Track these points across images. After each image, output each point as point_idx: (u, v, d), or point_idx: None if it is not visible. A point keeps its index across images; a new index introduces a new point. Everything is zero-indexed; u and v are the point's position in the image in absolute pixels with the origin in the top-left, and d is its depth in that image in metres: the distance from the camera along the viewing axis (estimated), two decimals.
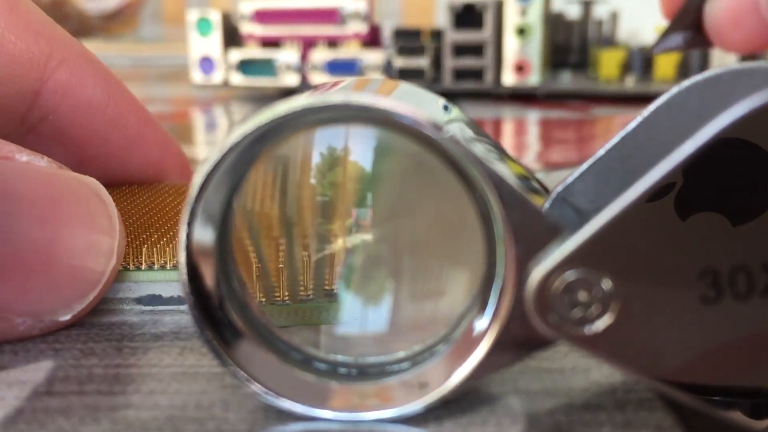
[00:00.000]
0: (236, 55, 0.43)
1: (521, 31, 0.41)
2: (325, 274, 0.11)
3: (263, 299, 0.11)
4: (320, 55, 0.43)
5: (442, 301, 0.10)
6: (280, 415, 0.10)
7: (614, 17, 0.50)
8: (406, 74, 0.42)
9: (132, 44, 0.76)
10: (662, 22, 0.29)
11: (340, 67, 0.43)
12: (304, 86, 0.43)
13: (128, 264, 0.13)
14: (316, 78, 0.43)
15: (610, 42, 0.49)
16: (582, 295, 0.09)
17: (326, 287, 0.11)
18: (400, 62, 0.42)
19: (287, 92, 0.43)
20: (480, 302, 0.10)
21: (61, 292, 0.12)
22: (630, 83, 0.44)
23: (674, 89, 0.11)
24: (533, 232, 0.09)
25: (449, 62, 0.42)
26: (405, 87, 0.10)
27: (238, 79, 0.44)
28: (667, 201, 0.09)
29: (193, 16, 0.44)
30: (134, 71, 0.64)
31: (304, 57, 0.43)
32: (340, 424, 0.10)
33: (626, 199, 0.09)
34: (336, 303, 0.11)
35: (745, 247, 0.09)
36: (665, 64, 0.43)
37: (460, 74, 0.43)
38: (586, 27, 0.48)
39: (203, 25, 0.44)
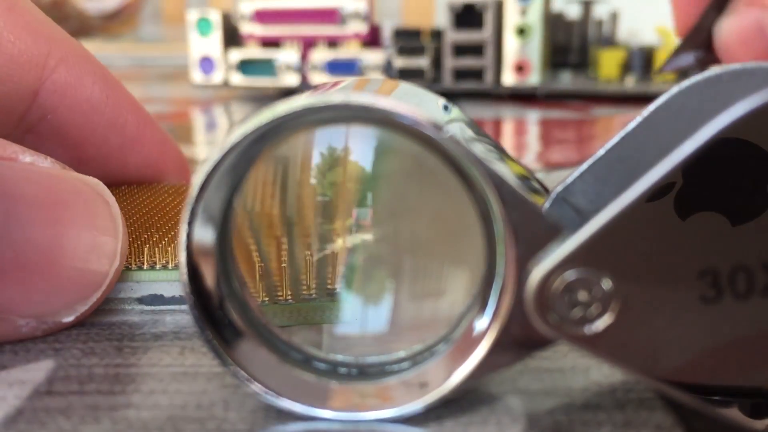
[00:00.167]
0: (236, 55, 0.43)
1: (521, 31, 0.41)
2: (325, 274, 0.11)
3: (266, 299, 0.11)
4: (320, 55, 0.43)
5: (442, 300, 0.10)
6: (280, 414, 0.10)
7: (614, 17, 0.50)
8: (406, 74, 0.42)
9: (132, 44, 0.76)
10: (662, 22, 0.29)
11: (340, 67, 0.43)
12: (304, 86, 0.43)
13: (130, 264, 0.13)
14: (316, 78, 0.43)
15: (610, 42, 0.49)
16: (582, 295, 0.09)
17: (326, 287, 0.11)
18: (400, 62, 0.42)
19: (287, 92, 0.43)
20: (480, 302, 0.10)
21: (65, 293, 0.12)
22: (630, 83, 0.44)
23: (674, 89, 0.11)
24: (533, 231, 0.09)
25: (449, 62, 0.42)
26: (405, 87, 0.10)
27: (238, 79, 0.44)
28: (666, 201, 0.09)
29: (193, 16, 0.44)
30: (134, 71, 0.64)
31: (304, 57, 0.43)
32: (340, 424, 0.10)
33: (626, 198, 0.09)
34: (336, 303, 0.11)
35: (744, 247, 0.09)
36: None
37: (460, 74, 0.43)
38: (586, 27, 0.48)
39: (203, 25, 0.44)
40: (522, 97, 0.44)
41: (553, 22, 0.47)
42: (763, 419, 0.09)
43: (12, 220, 0.11)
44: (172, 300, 0.13)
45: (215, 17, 0.44)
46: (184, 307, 0.10)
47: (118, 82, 0.16)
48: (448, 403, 0.10)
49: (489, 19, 0.41)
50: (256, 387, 0.10)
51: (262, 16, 0.43)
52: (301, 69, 0.43)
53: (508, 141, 0.32)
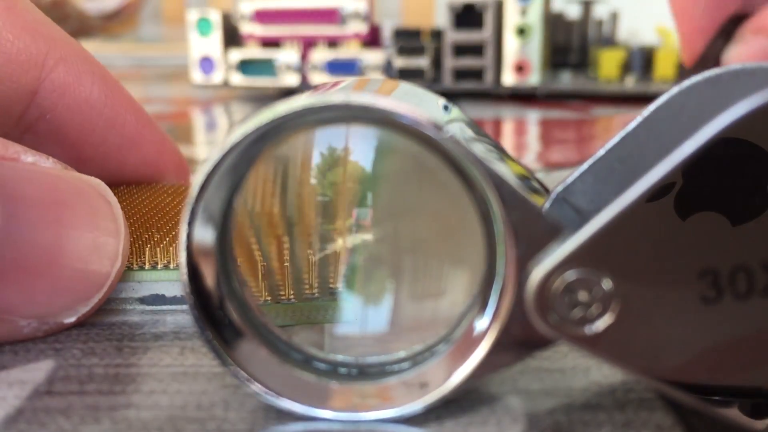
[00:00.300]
0: (236, 55, 0.43)
1: (521, 31, 0.41)
2: (325, 274, 0.11)
3: (267, 298, 0.11)
4: (320, 55, 0.43)
5: (442, 300, 0.10)
6: (280, 414, 0.10)
7: (614, 17, 0.50)
8: (406, 74, 0.42)
9: (132, 44, 0.76)
10: (662, 23, 0.29)
11: (340, 67, 0.43)
12: (304, 86, 0.43)
13: (132, 264, 0.13)
14: (316, 78, 0.43)
15: (610, 42, 0.49)
16: (582, 295, 0.09)
17: (327, 287, 0.11)
18: (400, 62, 0.42)
19: (287, 92, 0.43)
20: (480, 302, 0.10)
21: (67, 294, 0.12)
22: (630, 83, 0.44)
23: (674, 89, 0.11)
24: (533, 232, 0.09)
25: (449, 62, 0.42)
26: (405, 87, 0.10)
27: (238, 79, 0.44)
28: (666, 201, 0.09)
29: (193, 16, 0.44)
30: (134, 71, 0.64)
31: (304, 57, 0.43)
32: (341, 424, 0.10)
33: (626, 199, 0.09)
34: (337, 303, 0.11)
35: (745, 247, 0.09)
36: (665, 64, 0.43)
37: (460, 74, 0.43)
38: (586, 27, 0.48)
39: (203, 25, 0.44)
40: (522, 97, 0.44)
41: (553, 22, 0.47)
42: (763, 419, 0.09)
43: (14, 221, 0.11)
44: (174, 300, 0.13)
45: (215, 17, 0.44)
46: (186, 307, 0.10)
47: (116, 82, 0.16)
48: (449, 404, 0.10)
49: (489, 19, 0.41)
50: (256, 387, 0.10)
51: (262, 16, 0.43)
52: (301, 69, 0.43)
53: (508, 141, 0.32)
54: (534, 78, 0.42)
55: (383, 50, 0.43)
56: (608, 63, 0.44)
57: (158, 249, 0.13)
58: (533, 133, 0.34)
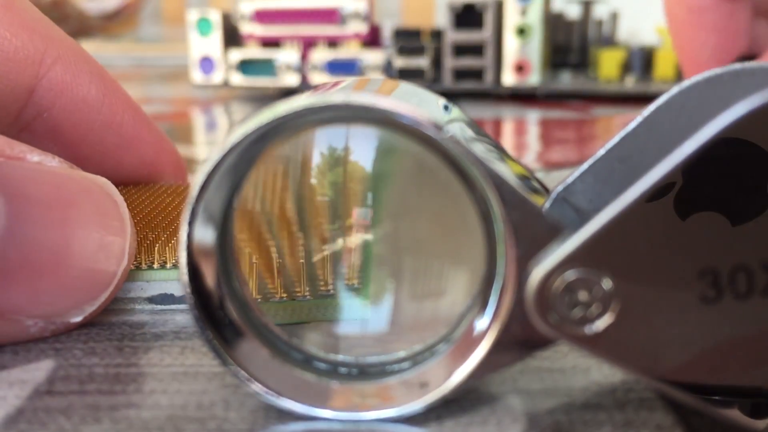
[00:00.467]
0: (236, 55, 0.43)
1: (521, 31, 0.41)
2: (324, 274, 0.11)
3: (259, 297, 0.11)
4: (320, 55, 0.43)
5: (442, 300, 0.10)
6: (280, 414, 0.10)
7: (614, 17, 0.50)
8: (406, 74, 0.42)
9: (132, 44, 0.76)
10: (662, 23, 0.29)
11: (340, 67, 0.43)
12: (304, 86, 0.43)
13: (140, 263, 0.13)
14: (316, 78, 0.43)
15: (610, 42, 0.49)
16: (582, 295, 0.09)
17: (325, 287, 0.11)
18: (400, 62, 0.42)
19: (287, 92, 0.43)
20: (480, 302, 0.10)
21: (73, 294, 0.12)
22: (630, 83, 0.44)
23: (674, 89, 0.11)
24: (533, 231, 0.09)
25: (449, 62, 0.42)
26: (405, 87, 0.10)
27: (238, 79, 0.44)
28: (666, 201, 0.09)
29: (193, 16, 0.44)
30: (134, 71, 0.64)
31: (304, 57, 0.43)
32: (341, 424, 0.10)
33: (626, 199, 0.09)
34: (337, 302, 0.11)
35: (745, 247, 0.09)
36: (665, 64, 0.43)
37: (460, 74, 0.43)
38: (586, 27, 0.48)
39: (203, 25, 0.44)
40: (522, 97, 0.44)
41: (553, 22, 0.47)
42: (763, 419, 0.09)
43: (20, 221, 0.11)
44: (183, 299, 0.13)
45: (215, 17, 0.44)
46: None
47: (114, 82, 0.16)
48: (449, 403, 0.10)
49: (489, 19, 0.41)
50: (256, 387, 0.10)
51: (262, 16, 0.43)
52: (301, 69, 0.43)
53: (508, 141, 0.32)
54: (534, 78, 0.42)
55: (383, 50, 0.43)
56: (608, 63, 0.44)
57: (167, 248, 0.13)
58: (533, 133, 0.34)
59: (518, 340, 0.10)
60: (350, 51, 0.43)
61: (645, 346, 0.09)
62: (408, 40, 0.44)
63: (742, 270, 0.09)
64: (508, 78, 0.42)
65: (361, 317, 0.11)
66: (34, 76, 0.14)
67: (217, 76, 0.44)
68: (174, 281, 0.13)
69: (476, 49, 0.42)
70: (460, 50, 0.42)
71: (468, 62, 0.42)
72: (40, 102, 0.15)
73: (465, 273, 0.10)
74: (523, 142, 0.32)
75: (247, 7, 0.43)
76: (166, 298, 0.13)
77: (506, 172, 0.09)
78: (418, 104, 0.09)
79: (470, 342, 0.10)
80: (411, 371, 0.10)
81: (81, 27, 0.71)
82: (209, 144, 0.32)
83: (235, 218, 0.10)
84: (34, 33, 0.14)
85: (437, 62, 0.43)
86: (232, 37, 0.44)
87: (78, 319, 0.12)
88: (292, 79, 0.43)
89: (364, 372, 0.10)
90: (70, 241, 0.11)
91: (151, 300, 0.13)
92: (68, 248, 0.11)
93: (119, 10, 0.76)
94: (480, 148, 0.09)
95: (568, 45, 0.48)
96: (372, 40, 0.44)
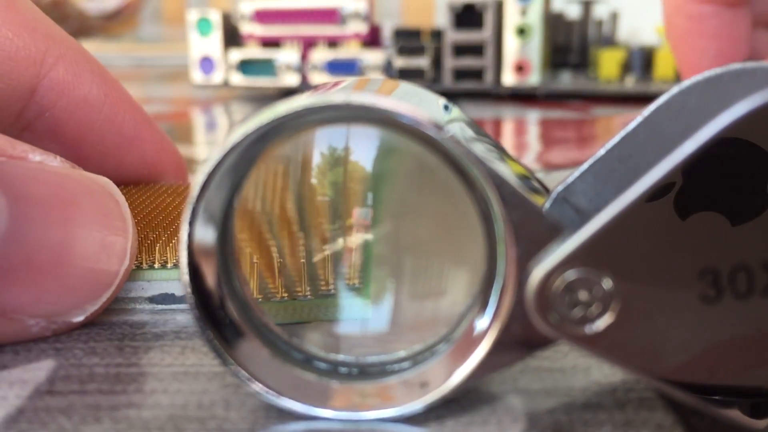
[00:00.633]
0: (236, 55, 0.43)
1: (521, 31, 0.41)
2: (325, 274, 0.11)
3: (260, 297, 0.11)
4: (320, 55, 0.43)
5: (442, 300, 0.10)
6: (281, 414, 0.10)
7: (614, 17, 0.50)
8: (406, 74, 0.42)
9: (132, 44, 0.76)
10: (662, 23, 0.29)
11: (340, 67, 0.43)
12: (304, 86, 0.43)
13: (141, 263, 0.13)
14: (316, 78, 0.43)
15: (610, 42, 0.49)
16: (582, 295, 0.09)
17: (326, 287, 0.11)
18: (400, 62, 0.42)
19: (287, 92, 0.43)
20: (481, 302, 0.10)
21: (75, 293, 0.12)
22: (630, 83, 0.44)
23: (674, 89, 0.11)
24: (534, 231, 0.09)
25: (449, 62, 0.42)
26: (405, 87, 0.10)
27: (238, 79, 0.44)
28: (666, 201, 0.09)
29: (193, 16, 0.44)
30: (134, 71, 0.64)
31: (304, 57, 0.43)
32: (341, 424, 0.10)
33: (626, 198, 0.09)
34: (337, 302, 0.11)
35: (745, 247, 0.09)
36: (665, 64, 0.43)
37: (460, 74, 0.42)
38: (586, 27, 0.48)
39: (203, 25, 0.44)
40: (522, 97, 0.44)
41: (553, 22, 0.47)
42: (763, 419, 0.09)
43: (22, 220, 0.11)
44: (184, 298, 0.13)
45: (215, 17, 0.44)
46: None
47: (116, 81, 0.16)
48: (449, 403, 0.10)
49: (489, 19, 0.41)
50: (256, 386, 0.10)
51: (262, 16, 0.43)
52: (301, 69, 0.43)
53: (508, 141, 0.32)
54: (534, 78, 0.42)
55: (383, 50, 0.43)
56: (608, 63, 0.44)
57: (168, 248, 0.13)
58: (533, 133, 0.34)
59: (518, 340, 0.10)
60: (350, 51, 0.43)
61: (645, 346, 0.09)
62: (408, 40, 0.44)
63: (743, 270, 0.09)
64: (508, 78, 0.42)
65: (361, 317, 0.11)
66: (36, 75, 0.14)
67: (217, 76, 0.44)
68: (175, 281, 0.13)
69: (476, 49, 0.42)
70: (460, 50, 0.42)
71: (468, 62, 0.42)
72: (41, 102, 0.15)
73: (465, 273, 0.10)
74: (523, 142, 0.32)
75: (247, 7, 0.43)
76: (167, 298, 0.13)
77: (506, 171, 0.09)
78: (419, 104, 0.09)
79: (470, 342, 0.10)
80: (411, 371, 0.10)
81: (81, 27, 0.71)
82: (209, 144, 0.32)
83: (236, 218, 0.10)
84: (35, 32, 0.14)
85: (437, 62, 0.43)
86: (232, 37, 0.44)
87: (80, 318, 0.12)
88: (292, 79, 0.43)
89: (365, 372, 0.10)
90: (71, 241, 0.11)
91: (152, 300, 0.13)
92: (70, 248, 0.11)
93: (119, 10, 0.76)
94: (480, 148, 0.09)
95: (568, 45, 0.48)
96: (372, 40, 0.44)
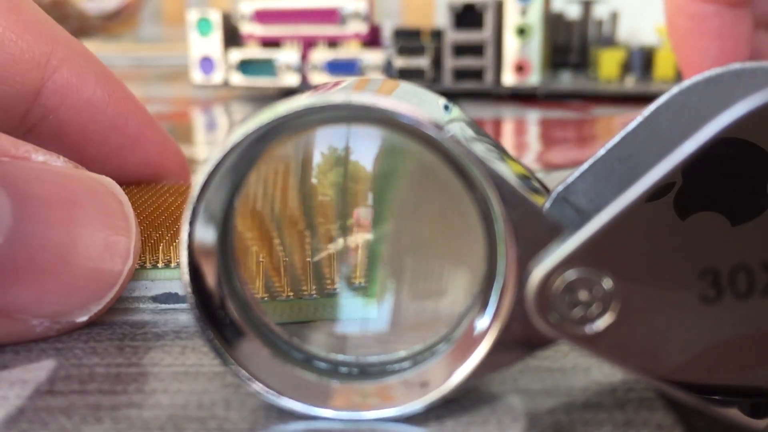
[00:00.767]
0: (236, 55, 0.43)
1: (521, 31, 0.41)
2: (326, 274, 0.11)
3: (266, 296, 0.11)
4: (320, 55, 0.43)
5: (443, 300, 0.10)
6: (281, 414, 0.10)
7: (614, 17, 0.50)
8: (406, 74, 0.42)
9: (132, 44, 0.76)
10: (662, 23, 0.29)
11: (340, 67, 0.43)
12: (304, 86, 0.43)
13: (144, 262, 0.13)
14: (316, 78, 0.43)
15: (610, 42, 0.49)
16: (583, 295, 0.09)
17: (327, 286, 0.11)
18: (400, 62, 0.42)
19: (287, 92, 0.43)
20: (481, 301, 0.10)
21: (79, 293, 0.12)
22: (630, 83, 0.44)
23: (675, 89, 0.11)
24: (534, 231, 0.09)
25: (449, 62, 0.42)
26: (406, 87, 0.10)
27: (238, 79, 0.44)
28: (666, 201, 0.09)
29: (193, 16, 0.44)
30: (134, 71, 0.64)
31: (304, 57, 0.43)
32: (341, 423, 0.10)
33: (626, 198, 0.09)
34: (337, 302, 0.11)
35: (745, 247, 0.09)
36: (665, 64, 0.43)
37: (460, 74, 0.43)
38: (586, 27, 0.48)
39: (203, 25, 0.44)
40: (522, 97, 0.44)
41: (553, 22, 0.47)
42: (763, 419, 0.10)
43: (25, 220, 0.11)
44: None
45: (215, 17, 0.44)
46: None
47: (119, 82, 0.16)
48: (449, 403, 0.10)
49: (489, 19, 0.41)
50: (257, 386, 0.10)
51: (262, 16, 0.43)
52: (301, 69, 0.43)
53: (508, 141, 0.32)
54: (534, 78, 0.42)
55: (383, 50, 0.43)
56: (608, 63, 0.44)
57: (171, 247, 0.13)
58: (533, 133, 0.34)
59: (519, 340, 0.10)
60: (350, 51, 0.43)
61: (645, 346, 0.09)
62: (408, 40, 0.44)
63: (743, 270, 0.09)
64: (508, 78, 0.42)
65: (365, 316, 0.11)
66: (40, 78, 0.14)
67: (217, 76, 0.44)
68: (178, 280, 0.13)
69: (476, 49, 0.42)
70: (460, 50, 0.42)
71: (468, 62, 0.42)
72: (46, 104, 0.15)
73: (465, 273, 0.10)
74: (523, 142, 0.32)
75: (247, 7, 0.43)
76: (170, 297, 0.13)
77: (506, 171, 0.09)
78: (419, 104, 0.09)
79: (471, 342, 0.10)
80: (411, 371, 0.10)
81: (81, 27, 0.71)
82: (209, 144, 0.32)
83: (236, 218, 0.10)
84: (39, 34, 0.14)
85: (437, 62, 0.43)
86: (232, 37, 0.44)
87: (83, 318, 0.12)
88: (292, 79, 0.43)
89: (365, 371, 0.10)
90: (75, 241, 0.11)
91: (156, 299, 0.13)
92: (73, 248, 0.11)
93: (119, 10, 0.76)
94: (480, 148, 0.09)
95: (568, 45, 0.48)
96: (372, 40, 0.44)
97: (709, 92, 0.10)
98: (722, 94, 0.10)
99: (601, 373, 0.11)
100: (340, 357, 0.10)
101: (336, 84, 0.10)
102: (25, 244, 0.11)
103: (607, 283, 0.09)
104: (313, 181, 0.10)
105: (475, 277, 0.10)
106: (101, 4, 0.74)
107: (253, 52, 0.44)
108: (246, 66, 0.43)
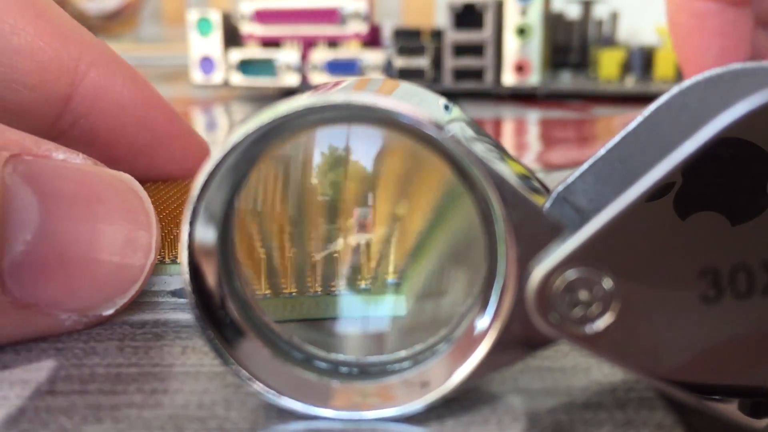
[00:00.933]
0: (236, 55, 0.43)
1: (521, 31, 0.41)
2: (326, 273, 0.11)
3: (267, 292, 0.11)
4: (320, 55, 0.43)
5: (443, 300, 0.10)
6: (281, 413, 0.10)
7: (614, 17, 0.50)
8: (406, 74, 0.42)
9: (132, 44, 0.76)
10: (662, 23, 0.29)
11: (340, 67, 0.43)
12: (305, 86, 0.43)
13: (164, 257, 0.13)
14: (316, 78, 0.43)
15: (610, 42, 0.49)
16: (583, 294, 0.09)
17: (328, 286, 0.11)
18: (400, 62, 0.42)
19: (287, 92, 0.43)
20: (481, 301, 0.10)
21: (105, 287, 0.12)
22: (630, 83, 0.44)
23: (675, 89, 0.11)
24: (534, 231, 0.09)
25: (449, 62, 0.42)
26: (406, 87, 0.10)
27: (238, 79, 0.44)
28: (666, 201, 0.09)
29: (193, 16, 0.44)
30: None
31: (304, 57, 0.43)
32: (342, 423, 0.10)
33: (626, 198, 0.09)
34: (337, 302, 0.11)
35: (745, 247, 0.09)
36: (665, 64, 0.43)
37: (460, 74, 0.43)
38: (586, 27, 0.48)
39: (203, 25, 0.44)
40: (522, 97, 0.44)
41: (553, 22, 0.47)
42: (763, 418, 0.10)
43: (51, 217, 0.11)
44: None
45: (215, 17, 0.44)
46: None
47: (145, 81, 0.16)
48: (450, 403, 0.10)
49: (489, 19, 0.41)
50: (257, 386, 0.10)
51: (262, 16, 0.43)
52: (301, 69, 0.43)
53: (508, 141, 0.32)
54: (534, 78, 0.42)
55: (383, 50, 0.43)
56: (608, 63, 0.44)
57: None
58: (533, 133, 0.34)
59: (519, 340, 0.10)
60: (350, 51, 0.43)
61: (645, 346, 0.09)
62: (408, 40, 0.44)
63: (743, 269, 0.09)
64: (508, 78, 0.42)
65: (365, 315, 0.11)
66: (70, 84, 0.14)
67: (217, 76, 0.44)
68: None
69: (476, 49, 0.42)
70: (460, 50, 0.42)
71: (468, 62, 0.42)
72: (76, 109, 0.15)
73: (466, 272, 0.10)
74: (523, 142, 0.32)
75: (247, 7, 0.43)
76: None
77: (507, 171, 0.09)
78: (419, 104, 0.09)
79: (471, 341, 0.10)
80: (412, 371, 0.10)
81: None
82: (210, 144, 0.31)
83: (237, 218, 0.10)
84: (67, 40, 0.14)
85: (437, 62, 0.43)
86: (232, 37, 0.44)
87: (110, 312, 0.12)
88: (292, 79, 0.43)
89: (365, 371, 0.10)
90: (99, 236, 0.11)
91: (175, 293, 0.13)
92: (98, 243, 0.11)
93: (119, 10, 0.76)
94: (480, 148, 0.09)
95: (568, 45, 0.48)
96: (372, 40, 0.44)
97: (709, 92, 0.11)
98: (722, 94, 0.10)
99: (601, 373, 0.11)
100: (341, 357, 0.10)
101: (336, 84, 0.10)
102: (52, 241, 0.11)
103: (607, 283, 0.09)
104: (313, 181, 0.10)
105: (475, 277, 0.10)
106: (101, 4, 0.74)
107: (253, 52, 0.44)
108: (246, 66, 0.44)
